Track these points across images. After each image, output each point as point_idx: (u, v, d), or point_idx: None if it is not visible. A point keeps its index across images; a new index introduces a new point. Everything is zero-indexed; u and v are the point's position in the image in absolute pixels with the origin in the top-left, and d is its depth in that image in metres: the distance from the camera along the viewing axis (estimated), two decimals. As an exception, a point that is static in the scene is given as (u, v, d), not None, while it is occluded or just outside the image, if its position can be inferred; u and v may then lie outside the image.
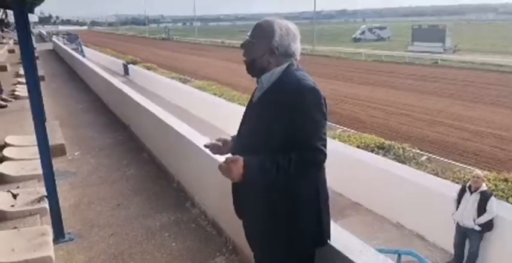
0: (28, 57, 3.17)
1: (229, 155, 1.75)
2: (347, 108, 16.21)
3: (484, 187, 5.31)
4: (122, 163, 5.20)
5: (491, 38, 49.86)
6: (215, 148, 1.91)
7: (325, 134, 1.62)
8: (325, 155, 1.59)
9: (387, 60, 32.17)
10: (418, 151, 9.30)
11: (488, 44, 41.71)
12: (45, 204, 3.32)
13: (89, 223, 3.57)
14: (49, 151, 3.19)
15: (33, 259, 2.62)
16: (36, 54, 10.42)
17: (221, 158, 1.96)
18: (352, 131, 11.68)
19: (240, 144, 1.78)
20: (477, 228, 5.23)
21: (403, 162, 7.88)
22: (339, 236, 1.86)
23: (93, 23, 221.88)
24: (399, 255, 5.08)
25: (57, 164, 4.30)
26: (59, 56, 23.15)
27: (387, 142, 8.90)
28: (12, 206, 3.33)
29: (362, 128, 12.45)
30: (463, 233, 5.43)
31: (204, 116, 13.25)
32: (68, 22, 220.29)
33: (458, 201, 5.39)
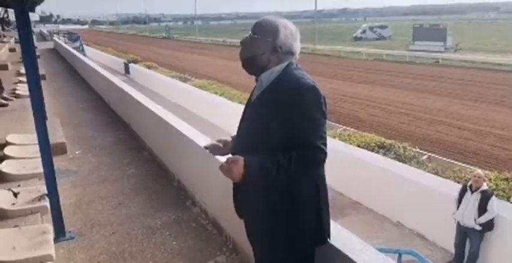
0: (29, 56, 3.17)
1: (229, 155, 1.75)
2: (346, 107, 16.18)
3: (484, 187, 5.30)
4: (123, 162, 5.21)
5: (492, 37, 49.73)
6: (215, 149, 1.92)
7: (325, 132, 1.62)
8: (325, 153, 1.60)
9: (388, 59, 32.12)
10: (418, 150, 9.28)
11: (489, 43, 41.61)
12: (46, 202, 3.32)
13: (90, 222, 3.58)
14: (50, 149, 3.18)
15: (34, 257, 2.62)
16: (37, 53, 10.42)
17: (222, 157, 1.97)
18: (352, 130, 11.66)
19: (239, 142, 1.78)
20: (478, 228, 5.22)
21: (403, 161, 7.85)
22: (339, 235, 1.86)
23: (94, 22, 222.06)
24: (400, 254, 5.07)
25: (58, 162, 4.30)
26: (60, 55, 23.15)
27: (388, 141, 8.88)
28: (13, 204, 3.34)
29: (362, 127, 12.40)
30: (463, 233, 5.42)
31: (204, 115, 13.25)
32: (68, 21, 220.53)
33: (459, 200, 5.37)
